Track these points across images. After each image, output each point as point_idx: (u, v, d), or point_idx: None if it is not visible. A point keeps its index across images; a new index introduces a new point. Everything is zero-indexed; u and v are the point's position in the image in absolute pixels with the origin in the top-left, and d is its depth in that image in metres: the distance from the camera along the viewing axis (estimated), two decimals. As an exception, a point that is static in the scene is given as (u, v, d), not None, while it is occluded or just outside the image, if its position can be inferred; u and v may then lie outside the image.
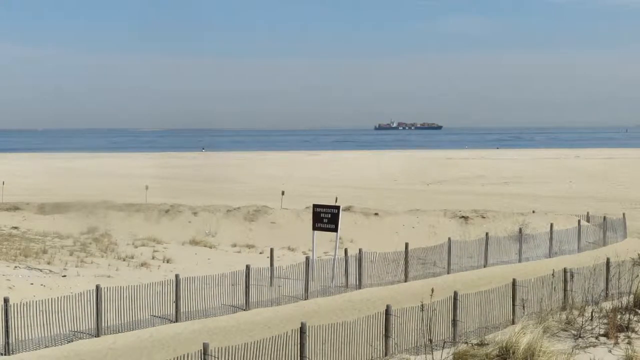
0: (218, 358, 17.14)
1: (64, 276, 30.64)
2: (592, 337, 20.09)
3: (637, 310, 21.74)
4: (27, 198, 57.08)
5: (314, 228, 33.15)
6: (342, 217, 33.64)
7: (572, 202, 65.13)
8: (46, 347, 22.88)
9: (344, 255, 32.36)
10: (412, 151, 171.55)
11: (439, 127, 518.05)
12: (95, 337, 23.97)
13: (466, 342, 19.50)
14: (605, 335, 20.07)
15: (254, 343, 18.01)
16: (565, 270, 25.68)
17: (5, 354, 22.21)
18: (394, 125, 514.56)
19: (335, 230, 32.70)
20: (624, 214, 47.54)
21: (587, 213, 48.41)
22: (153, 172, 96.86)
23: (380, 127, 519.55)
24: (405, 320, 20.76)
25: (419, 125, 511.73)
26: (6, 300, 22.55)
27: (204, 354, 16.90)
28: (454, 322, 21.88)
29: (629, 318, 20.84)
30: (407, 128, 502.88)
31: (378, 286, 32.18)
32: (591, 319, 20.90)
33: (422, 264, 34.66)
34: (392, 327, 20.44)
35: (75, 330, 23.87)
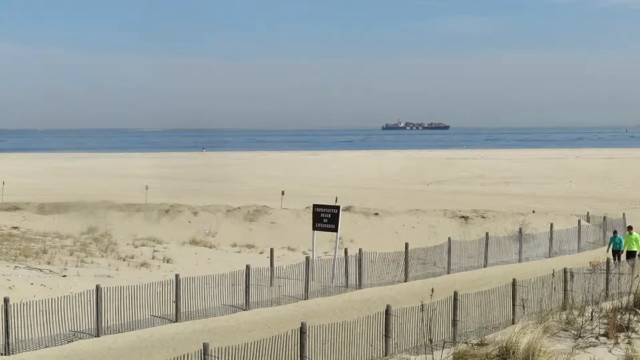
0: (218, 358, 17.14)
1: (64, 276, 30.65)
2: (592, 337, 20.08)
3: (637, 310, 21.73)
4: (27, 198, 57.03)
5: (314, 228, 33.15)
6: (342, 217, 33.64)
7: (572, 202, 65.10)
8: (46, 347, 22.88)
9: (344, 255, 32.36)
10: (413, 151, 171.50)
11: (446, 127, 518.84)
12: (95, 337, 23.97)
13: (466, 342, 19.48)
14: (605, 335, 20.06)
15: (254, 343, 18.01)
16: (565, 270, 25.69)
17: (5, 354, 22.21)
18: (402, 125, 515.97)
19: (335, 230, 32.70)
20: (624, 214, 47.52)
21: (587, 213, 48.42)
22: (153, 172, 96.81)
23: (387, 127, 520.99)
24: (405, 320, 20.75)
25: (426, 125, 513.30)
26: (6, 300, 22.54)
27: (204, 354, 16.90)
28: (454, 322, 21.87)
29: (629, 318, 20.83)
30: (414, 128, 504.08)
31: (378, 286, 32.18)
32: (591, 319, 20.89)
33: (422, 264, 34.65)
34: (392, 327, 20.43)
35: (75, 330, 23.87)
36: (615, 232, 35.96)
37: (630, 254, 33.85)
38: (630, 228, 35.56)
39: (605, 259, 32.70)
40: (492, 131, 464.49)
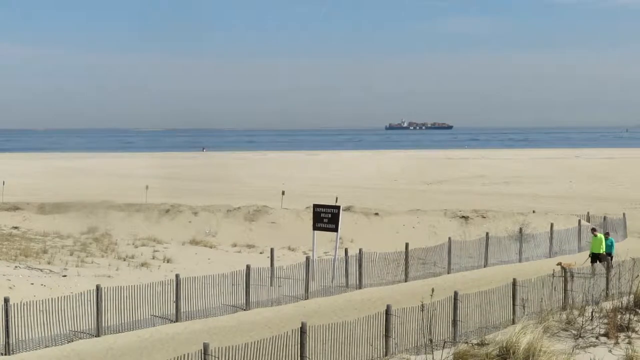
0: (218, 358, 17.15)
1: (64, 276, 30.65)
2: (592, 337, 20.10)
3: (637, 310, 21.75)
4: (27, 198, 57.06)
5: (315, 228, 33.16)
6: (343, 217, 33.64)
7: (572, 202, 65.10)
8: (46, 347, 22.89)
9: (344, 255, 32.37)
10: (413, 151, 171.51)
11: (450, 127, 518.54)
12: (96, 337, 23.98)
13: (466, 342, 19.50)
14: (606, 335, 20.08)
15: (254, 343, 18.02)
16: (565, 270, 25.70)
17: (5, 354, 22.22)
18: (405, 125, 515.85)
19: (336, 230, 32.71)
20: (624, 214, 47.54)
21: (587, 213, 48.38)
22: (153, 172, 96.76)
23: (391, 127, 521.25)
24: (406, 320, 20.76)
25: (429, 125, 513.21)
26: (6, 300, 22.55)
27: (204, 354, 16.90)
28: (454, 322, 21.88)
29: (629, 318, 20.85)
30: (417, 128, 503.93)
31: (378, 286, 32.18)
32: (591, 319, 20.91)
33: (423, 264, 34.66)
34: (393, 327, 20.44)
35: (76, 330, 23.88)
36: (607, 234, 35.61)
37: (595, 257, 33.22)
38: (594, 230, 34.98)
39: (575, 263, 32.22)
40: (493, 131, 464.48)
